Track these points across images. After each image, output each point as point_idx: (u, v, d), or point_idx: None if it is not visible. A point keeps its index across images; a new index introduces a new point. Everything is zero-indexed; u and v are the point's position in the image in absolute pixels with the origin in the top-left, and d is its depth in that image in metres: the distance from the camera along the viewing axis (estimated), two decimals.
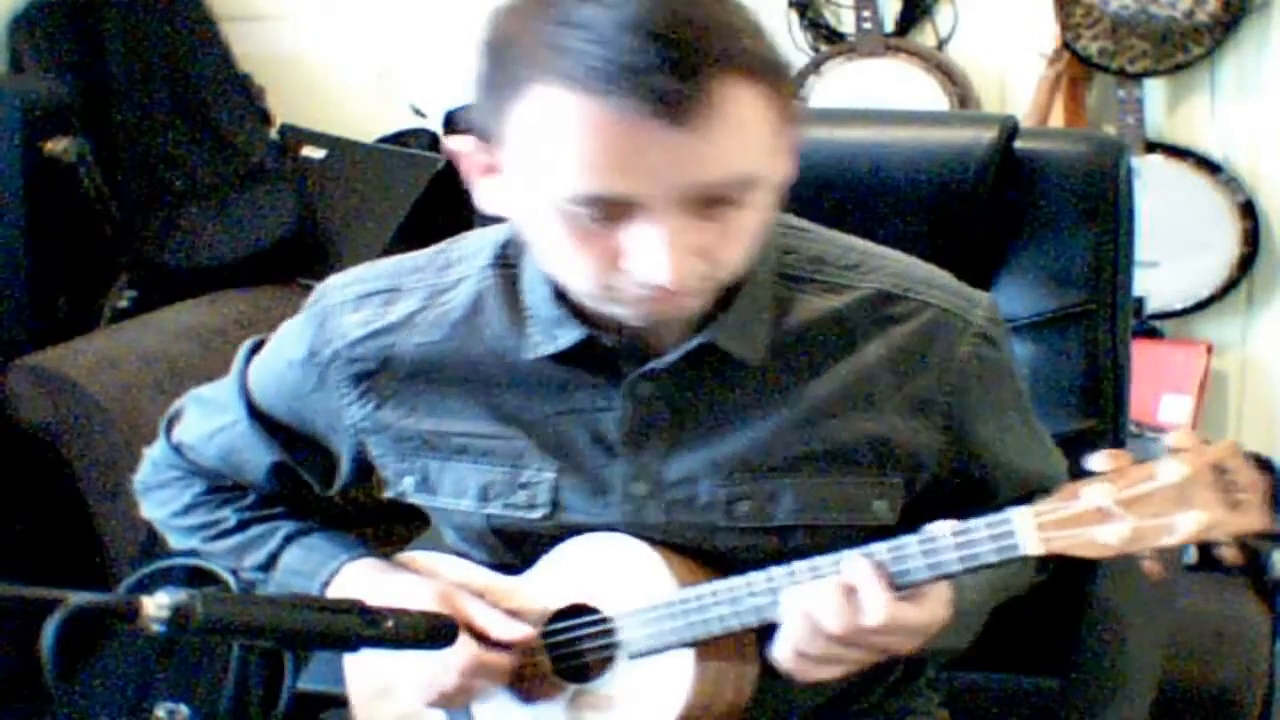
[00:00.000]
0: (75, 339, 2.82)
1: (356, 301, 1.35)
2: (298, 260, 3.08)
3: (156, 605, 1.10)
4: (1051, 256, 1.66)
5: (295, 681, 1.20)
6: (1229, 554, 1.12)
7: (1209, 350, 2.91)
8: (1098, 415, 1.66)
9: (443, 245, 1.37)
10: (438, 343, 1.32)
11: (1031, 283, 1.67)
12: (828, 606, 1.18)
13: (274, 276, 3.09)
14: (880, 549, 1.19)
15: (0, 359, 2.71)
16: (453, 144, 1.24)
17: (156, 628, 1.10)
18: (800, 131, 1.22)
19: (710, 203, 1.13)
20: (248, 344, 1.47)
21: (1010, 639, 1.58)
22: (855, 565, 1.19)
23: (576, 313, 1.26)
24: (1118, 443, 1.67)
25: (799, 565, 1.23)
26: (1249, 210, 2.82)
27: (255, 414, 1.44)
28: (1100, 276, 1.66)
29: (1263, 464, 1.12)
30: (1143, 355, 2.57)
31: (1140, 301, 2.80)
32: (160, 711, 1.18)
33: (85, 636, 1.10)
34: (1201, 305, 2.88)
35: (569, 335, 1.27)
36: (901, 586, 1.18)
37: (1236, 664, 2.28)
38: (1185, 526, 1.10)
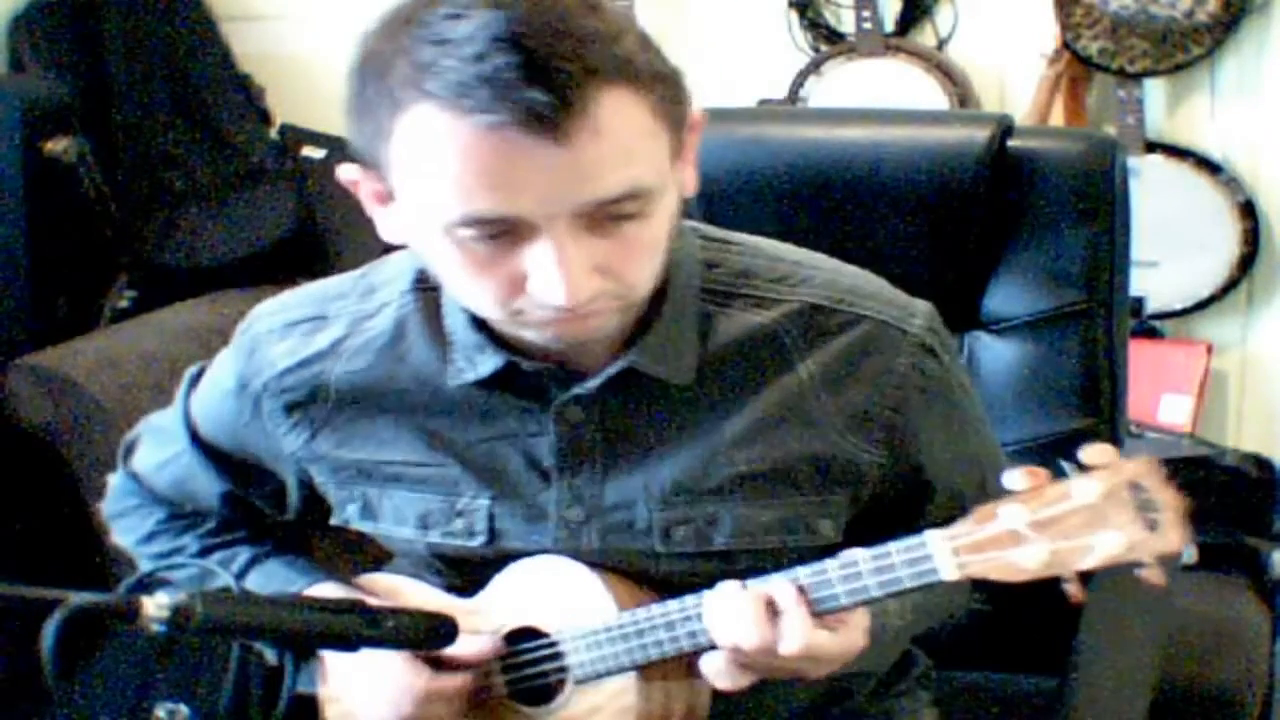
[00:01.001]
0: (75, 339, 2.81)
1: (283, 330, 1.32)
2: (298, 260, 3.08)
3: (156, 605, 1.10)
4: (1048, 255, 1.66)
5: (295, 682, 1.20)
6: (1150, 575, 1.06)
7: (1209, 350, 2.90)
8: (1095, 414, 1.66)
9: (367, 268, 1.34)
10: (364, 371, 1.29)
11: (1029, 282, 1.67)
12: (749, 629, 1.15)
13: (274, 276, 3.07)
14: (801, 573, 1.16)
15: (0, 359, 2.71)
16: (344, 173, 1.20)
17: (156, 628, 1.10)
18: (695, 138, 1.17)
19: (604, 218, 1.09)
20: (189, 373, 1.44)
21: (1009, 639, 1.59)
22: (778, 589, 1.15)
23: (496, 338, 1.23)
24: (1115, 441, 1.67)
25: (732, 585, 1.18)
26: (1249, 210, 2.82)
27: (200, 444, 1.42)
28: (1097, 275, 1.66)
29: (1173, 478, 1.07)
30: (1142, 355, 2.57)
31: (1140, 301, 2.80)
32: (160, 711, 1.18)
33: (85, 636, 1.10)
34: (1201, 305, 2.88)
35: (489, 362, 1.23)
36: (822, 613, 1.15)
37: (1236, 664, 2.27)
38: (1104, 548, 1.05)
